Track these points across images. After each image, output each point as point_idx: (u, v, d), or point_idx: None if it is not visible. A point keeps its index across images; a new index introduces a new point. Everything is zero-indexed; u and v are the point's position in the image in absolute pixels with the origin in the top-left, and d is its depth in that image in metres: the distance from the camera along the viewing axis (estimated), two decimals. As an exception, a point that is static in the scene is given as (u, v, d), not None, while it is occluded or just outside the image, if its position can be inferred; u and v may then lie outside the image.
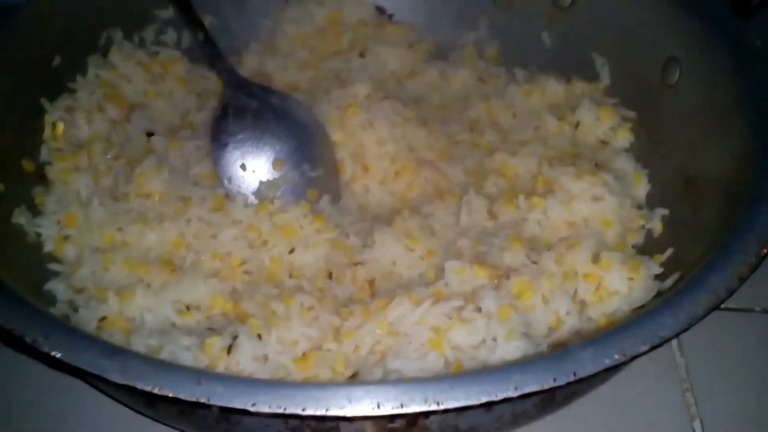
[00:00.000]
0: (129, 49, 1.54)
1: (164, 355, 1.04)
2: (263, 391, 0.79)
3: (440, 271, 1.24)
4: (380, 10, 1.76)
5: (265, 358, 1.09)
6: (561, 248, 1.21)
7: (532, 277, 1.16)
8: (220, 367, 1.05)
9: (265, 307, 1.16)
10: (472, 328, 1.08)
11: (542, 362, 0.82)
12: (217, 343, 1.06)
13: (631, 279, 1.17)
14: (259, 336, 1.09)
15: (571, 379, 0.79)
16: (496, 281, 1.18)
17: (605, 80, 1.55)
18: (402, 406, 0.79)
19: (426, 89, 1.65)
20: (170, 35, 1.64)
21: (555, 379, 0.79)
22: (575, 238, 1.23)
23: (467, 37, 1.73)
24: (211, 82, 1.60)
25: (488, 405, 0.78)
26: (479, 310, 1.10)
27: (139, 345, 1.07)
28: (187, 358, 1.04)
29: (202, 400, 0.77)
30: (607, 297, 1.17)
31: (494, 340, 1.07)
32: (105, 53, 1.52)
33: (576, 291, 1.18)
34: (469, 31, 1.73)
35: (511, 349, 1.04)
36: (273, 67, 1.64)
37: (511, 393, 0.78)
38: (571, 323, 1.13)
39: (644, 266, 1.18)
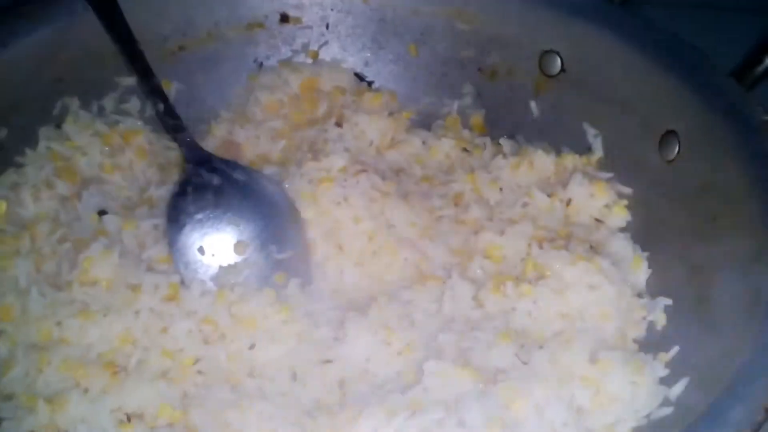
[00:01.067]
0: (86, 118, 1.43)
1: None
2: None
3: (419, 370, 1.10)
4: (359, 77, 1.66)
5: (215, 480, 0.94)
6: (554, 346, 1.08)
7: (523, 381, 1.02)
8: (159, 497, 0.90)
9: (218, 417, 1.02)
10: (454, 446, 0.93)
11: None
12: (155, 467, 0.91)
13: (634, 383, 1.04)
14: (208, 454, 0.94)
15: None
16: (481, 386, 1.04)
17: (598, 152, 1.44)
18: None
19: (407, 160, 1.54)
20: (133, 104, 1.52)
21: None
22: (570, 333, 1.11)
23: (451, 105, 1.63)
24: (175, 153, 1.48)
25: None
26: (463, 424, 0.96)
27: (65, 465, 0.92)
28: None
29: None
30: (608, 404, 1.03)
31: (480, 462, 0.92)
32: (59, 124, 1.41)
33: (573, 396, 1.04)
34: (453, 99, 1.63)
35: (498, 470, 0.90)
36: (243, 137, 1.52)
37: None
38: (568, 435, 0.99)
39: (648, 367, 1.05)
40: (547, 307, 1.15)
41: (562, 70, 1.48)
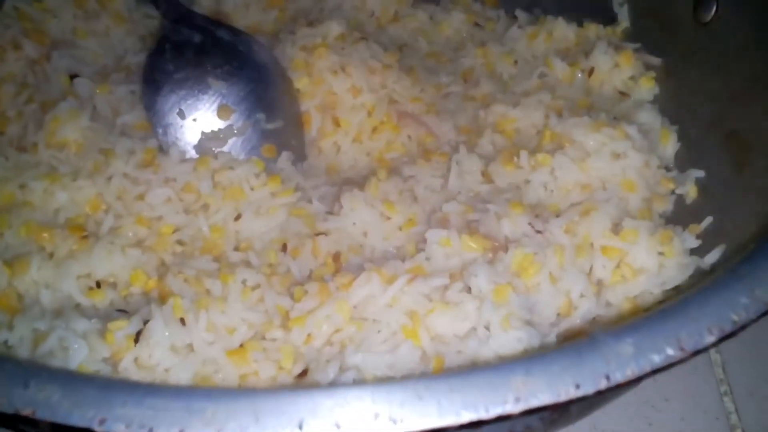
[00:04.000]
0: (58, -23, 1.28)
1: (49, 344, 0.79)
2: (123, 397, 0.53)
3: (422, 244, 0.99)
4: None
5: (190, 348, 0.84)
6: (573, 215, 0.96)
7: (537, 249, 0.91)
8: (125, 362, 0.80)
9: (197, 285, 0.92)
10: (459, 312, 0.83)
11: (556, 358, 0.56)
12: (122, 329, 0.81)
13: (661, 254, 0.93)
14: (182, 320, 0.84)
15: (603, 386, 0.53)
16: (490, 255, 0.93)
17: (624, 22, 1.30)
18: (338, 426, 0.53)
19: (412, 35, 1.40)
20: (111, -37, 1.38)
21: (578, 386, 0.53)
22: (590, 203, 0.99)
23: (462, -23, 1.47)
24: (158, 23, 1.34)
25: (475, 426, 0.53)
26: (468, 290, 0.86)
27: (22, 329, 0.82)
28: (79, 349, 0.79)
29: (25, 412, 0.52)
30: (631, 276, 0.92)
31: (487, 328, 0.82)
32: (28, -18, 1.27)
33: (591, 268, 0.93)
34: (464, -31, 1.47)
35: (509, 340, 0.80)
36: (232, 6, 1.37)
37: (511, 407, 0.53)
38: (586, 308, 0.89)
39: (678, 238, 0.94)
40: (566, 177, 1.03)
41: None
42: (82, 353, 0.79)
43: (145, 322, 0.82)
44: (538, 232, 0.95)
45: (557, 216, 0.98)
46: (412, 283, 0.86)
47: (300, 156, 1.19)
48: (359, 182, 1.15)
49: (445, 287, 0.86)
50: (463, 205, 1.02)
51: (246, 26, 1.36)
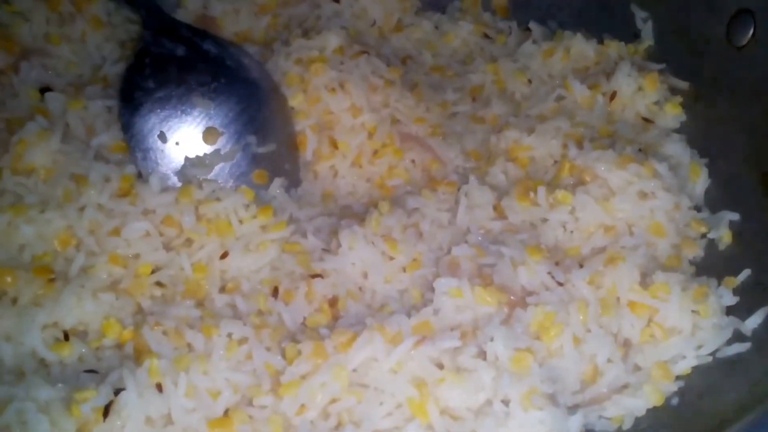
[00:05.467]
0: (29, -22, 1.17)
1: (6, 417, 0.68)
2: None
3: (428, 290, 0.90)
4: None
5: (167, 419, 0.74)
6: (597, 265, 0.87)
7: (558, 306, 0.82)
8: (93, 439, 0.70)
9: (177, 339, 0.82)
10: (473, 382, 0.74)
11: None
12: (89, 400, 0.71)
13: (695, 312, 0.84)
14: (159, 386, 0.74)
15: None
16: (506, 310, 0.84)
17: (648, 40, 1.20)
18: None
19: (416, 46, 1.31)
20: (88, -37, 1.26)
21: None
22: (615, 250, 0.90)
23: (470, -16, 1.37)
24: (139, 29, 1.22)
25: None
26: (483, 354, 0.76)
27: (-22, 395, 0.72)
28: (39, 424, 0.68)
29: None
30: (662, 336, 0.84)
31: (505, 403, 0.72)
32: (-4, -18, 1.16)
33: (619, 327, 0.83)
34: (473, -24, 1.37)
35: (530, 421, 0.70)
36: (220, 11, 1.27)
37: None
38: (613, 374, 0.80)
39: (713, 295, 0.85)
40: (588, 218, 0.94)
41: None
42: (42, 429, 0.68)
43: (117, 391, 0.72)
44: (559, 284, 0.85)
45: (579, 264, 0.89)
46: (419, 346, 0.76)
47: (294, 181, 1.09)
48: (358, 212, 1.06)
49: (457, 350, 0.77)
50: (475, 247, 0.93)
51: (235, 33, 1.26)
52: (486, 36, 1.31)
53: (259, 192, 1.02)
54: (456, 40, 1.30)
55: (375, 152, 1.12)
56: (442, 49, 1.31)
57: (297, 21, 1.28)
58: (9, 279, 0.86)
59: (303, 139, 1.11)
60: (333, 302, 0.93)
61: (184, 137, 1.01)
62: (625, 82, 1.11)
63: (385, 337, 0.78)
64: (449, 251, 0.95)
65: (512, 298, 0.84)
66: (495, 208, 1.01)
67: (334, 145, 1.11)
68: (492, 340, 0.76)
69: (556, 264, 0.89)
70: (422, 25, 1.32)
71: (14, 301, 0.85)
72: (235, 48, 1.10)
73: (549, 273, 0.87)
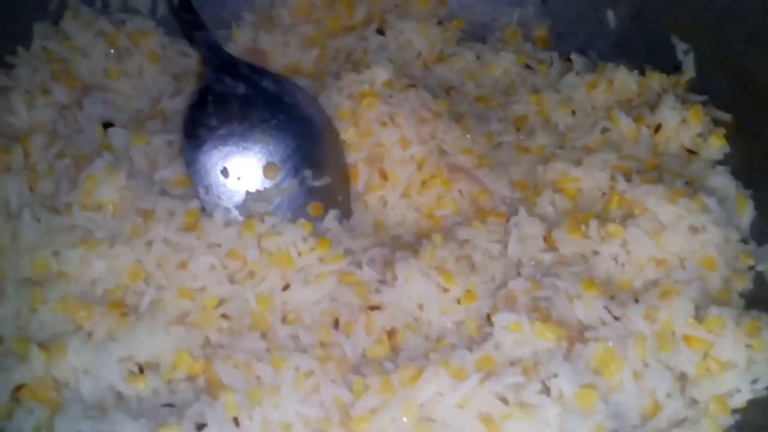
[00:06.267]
0: (88, 15, 1.23)
1: (96, 453, 0.72)
2: None
3: (482, 322, 0.93)
4: (404, -23, 1.42)
5: (245, 452, 0.77)
6: (651, 299, 0.89)
7: (616, 340, 0.84)
8: (178, 472, 0.73)
9: (247, 372, 0.85)
10: (539, 419, 0.77)
11: None
12: (173, 436, 0.74)
13: (749, 347, 0.86)
14: (236, 420, 0.77)
15: None
16: (565, 344, 0.86)
17: (689, 71, 1.22)
18: None
19: (459, 76, 1.33)
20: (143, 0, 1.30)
21: None
22: (669, 284, 0.92)
23: (510, 15, 1.40)
24: (194, 61, 1.27)
25: None
26: (546, 390, 0.78)
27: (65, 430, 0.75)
28: (128, 460, 0.72)
29: None
30: (718, 370, 0.85)
31: (571, 439, 0.75)
32: (56, 20, 1.21)
33: (677, 361, 0.86)
34: (513, 6, 1.40)
35: (597, 456, 0.72)
36: (270, 44, 1.31)
37: None
38: (673, 409, 0.83)
39: (766, 327, 0.87)
40: (639, 251, 0.96)
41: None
42: (129, 465, 0.72)
43: (199, 426, 0.75)
44: (616, 318, 0.88)
45: (634, 297, 0.91)
46: (484, 382, 0.79)
47: (346, 212, 1.12)
48: (409, 242, 1.08)
49: (520, 386, 0.79)
50: (530, 281, 0.95)
51: (285, 65, 1.30)
52: (527, 66, 1.33)
53: (314, 224, 1.05)
54: (498, 70, 1.33)
55: (423, 183, 1.14)
56: (484, 80, 1.33)
57: (344, 53, 1.31)
58: (84, 313, 0.89)
59: (354, 171, 1.14)
60: (391, 334, 0.96)
61: (246, 172, 1.05)
62: (669, 114, 1.13)
63: (450, 372, 0.81)
64: (503, 283, 0.98)
65: (572, 333, 0.87)
66: (545, 239, 1.04)
67: (384, 176, 1.14)
68: (556, 376, 0.79)
69: (611, 298, 0.91)
70: (464, 55, 1.34)
71: (89, 335, 0.88)
72: (290, 84, 1.13)
73: (605, 307, 0.89)
